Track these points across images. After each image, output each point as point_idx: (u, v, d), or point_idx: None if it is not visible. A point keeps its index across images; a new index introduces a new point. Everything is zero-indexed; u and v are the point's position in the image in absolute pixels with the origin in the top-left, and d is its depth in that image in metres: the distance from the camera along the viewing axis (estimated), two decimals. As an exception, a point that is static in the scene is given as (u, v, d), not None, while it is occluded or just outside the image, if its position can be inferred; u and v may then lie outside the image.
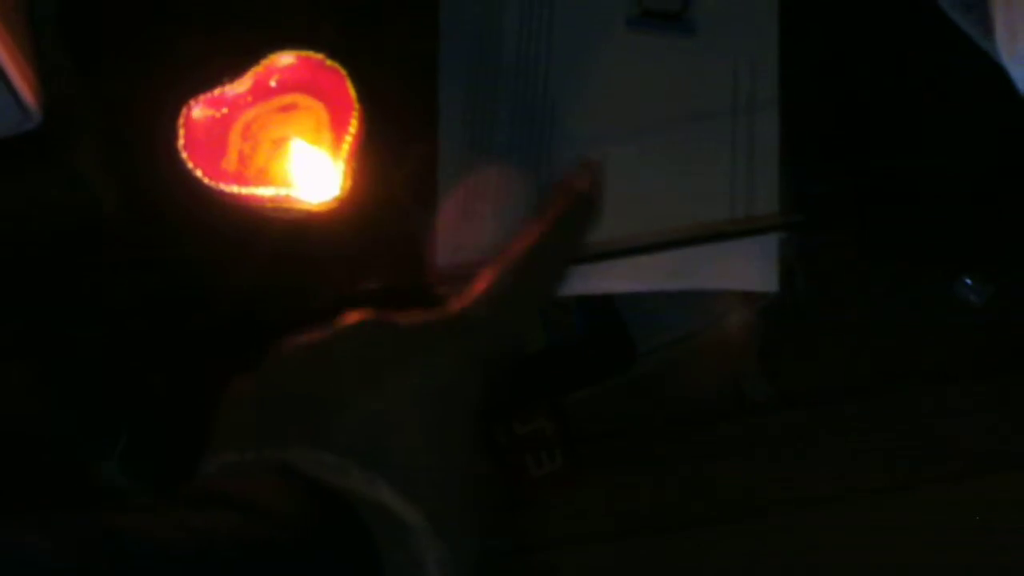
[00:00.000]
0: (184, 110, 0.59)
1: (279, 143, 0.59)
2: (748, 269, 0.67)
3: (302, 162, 0.57)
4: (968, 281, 0.81)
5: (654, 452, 0.82)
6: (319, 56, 0.59)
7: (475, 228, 0.67)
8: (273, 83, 0.60)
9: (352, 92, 0.58)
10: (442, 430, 0.45)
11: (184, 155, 0.58)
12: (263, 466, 0.42)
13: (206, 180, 0.57)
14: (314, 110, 0.59)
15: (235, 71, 0.59)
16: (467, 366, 0.47)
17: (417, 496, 0.43)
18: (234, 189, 0.56)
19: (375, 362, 0.46)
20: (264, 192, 0.57)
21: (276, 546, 0.39)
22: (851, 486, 0.81)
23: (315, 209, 0.58)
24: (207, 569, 0.37)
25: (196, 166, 0.57)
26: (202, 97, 0.59)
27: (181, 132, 0.58)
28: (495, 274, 0.51)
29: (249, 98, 0.59)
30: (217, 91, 0.59)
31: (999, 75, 0.63)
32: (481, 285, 0.50)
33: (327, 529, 0.40)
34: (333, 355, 0.46)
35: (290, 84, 0.60)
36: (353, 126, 0.57)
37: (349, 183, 0.58)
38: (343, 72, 0.58)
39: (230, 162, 0.59)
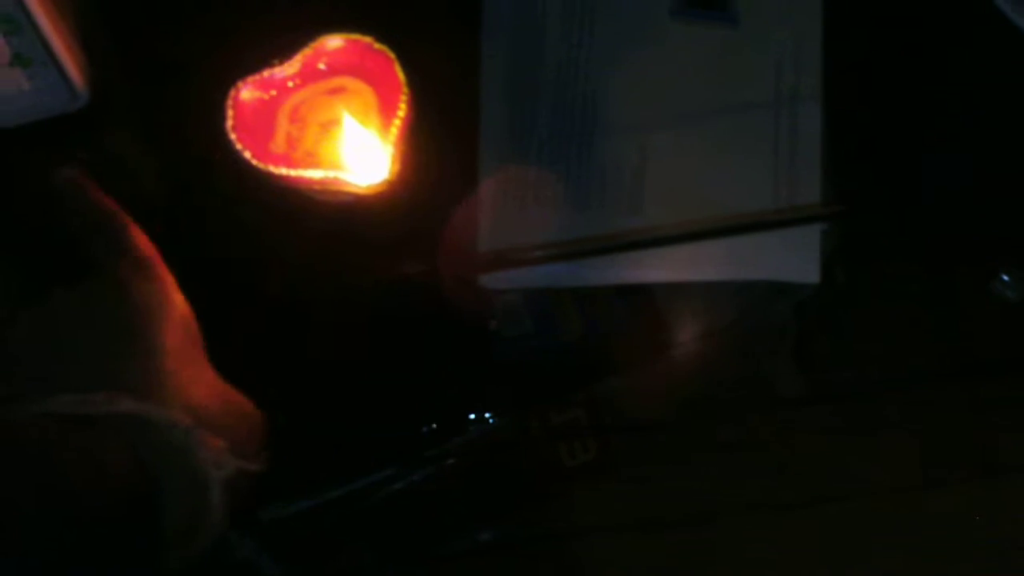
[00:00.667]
0: (232, 92, 0.59)
1: (327, 126, 0.59)
2: (790, 260, 0.67)
3: (352, 143, 0.57)
4: (1005, 277, 0.80)
5: (685, 444, 0.81)
6: (368, 39, 0.59)
7: (516, 214, 0.67)
8: (322, 66, 0.59)
9: (401, 75, 0.58)
10: (180, 349, 0.54)
11: (233, 136, 0.58)
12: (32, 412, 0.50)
13: (255, 162, 0.57)
14: (362, 93, 0.59)
15: (284, 53, 0.59)
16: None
17: (178, 402, 0.52)
18: (283, 171, 0.56)
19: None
20: (313, 174, 0.57)
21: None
22: (885, 482, 0.81)
23: (363, 192, 0.57)
24: None
25: (245, 148, 0.57)
26: (251, 79, 0.59)
27: (230, 114, 0.58)
28: None
29: (298, 80, 0.60)
30: (266, 73, 0.59)
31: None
32: None
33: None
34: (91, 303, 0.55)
35: (339, 67, 0.60)
36: (402, 109, 0.57)
37: (397, 167, 0.58)
38: (391, 55, 0.58)
39: (278, 144, 0.59)
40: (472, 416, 0.72)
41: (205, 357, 0.57)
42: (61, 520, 0.45)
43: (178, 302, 0.56)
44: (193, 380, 0.55)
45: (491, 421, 0.73)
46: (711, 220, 0.65)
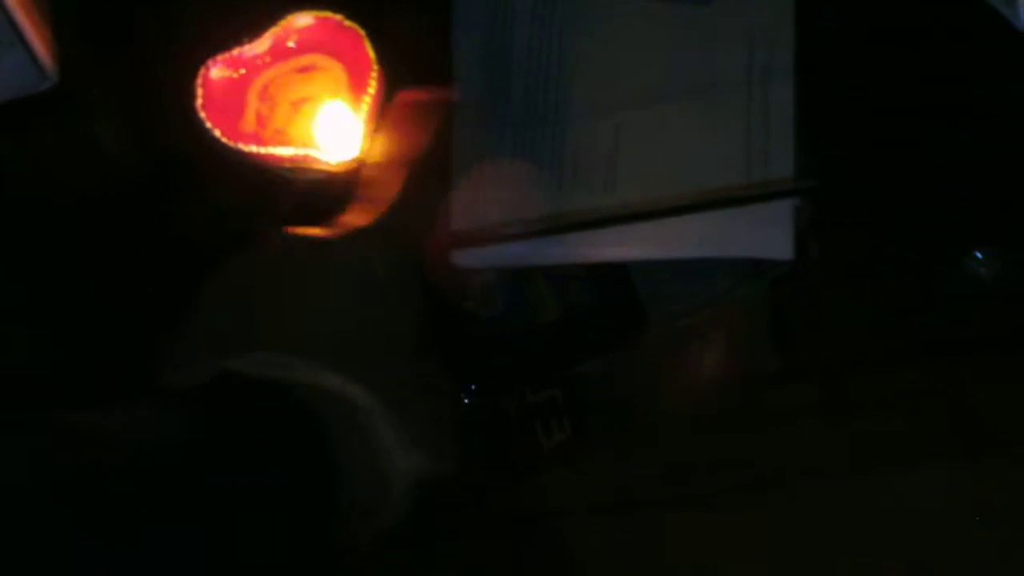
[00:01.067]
0: (202, 70, 0.58)
1: (297, 104, 0.59)
2: (763, 236, 0.67)
3: (322, 121, 0.57)
4: (979, 255, 0.81)
5: (662, 424, 0.82)
6: (337, 17, 0.59)
7: (489, 194, 0.67)
8: (291, 44, 0.59)
9: (371, 52, 0.58)
10: (380, 321, 0.50)
11: (203, 115, 0.57)
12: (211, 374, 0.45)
13: (225, 140, 0.57)
14: (332, 71, 0.59)
15: (253, 32, 0.59)
16: (393, 262, 0.52)
17: (364, 378, 0.46)
18: (253, 149, 0.56)
19: (303, 268, 0.51)
20: (284, 152, 0.57)
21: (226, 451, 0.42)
22: (858, 460, 0.81)
23: (334, 170, 0.57)
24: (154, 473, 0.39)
25: (214, 126, 0.57)
26: (220, 58, 0.59)
27: (199, 92, 0.58)
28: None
29: (267, 59, 0.59)
30: (235, 51, 0.59)
31: (1017, 46, 0.63)
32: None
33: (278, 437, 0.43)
34: (264, 266, 0.51)
35: (308, 45, 0.59)
36: (372, 87, 0.57)
37: (368, 144, 0.58)
38: (361, 32, 0.58)
39: (248, 123, 0.59)
40: (448, 396, 0.72)
41: (409, 333, 0.53)
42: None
43: (379, 272, 0.52)
44: (388, 357, 0.50)
45: (466, 401, 0.73)
46: (683, 196, 0.64)
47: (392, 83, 0.58)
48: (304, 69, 0.60)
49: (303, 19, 0.59)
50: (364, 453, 0.46)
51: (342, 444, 0.45)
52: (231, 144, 0.57)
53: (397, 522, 0.49)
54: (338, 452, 0.45)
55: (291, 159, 0.57)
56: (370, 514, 0.47)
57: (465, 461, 0.77)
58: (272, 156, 0.57)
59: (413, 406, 0.49)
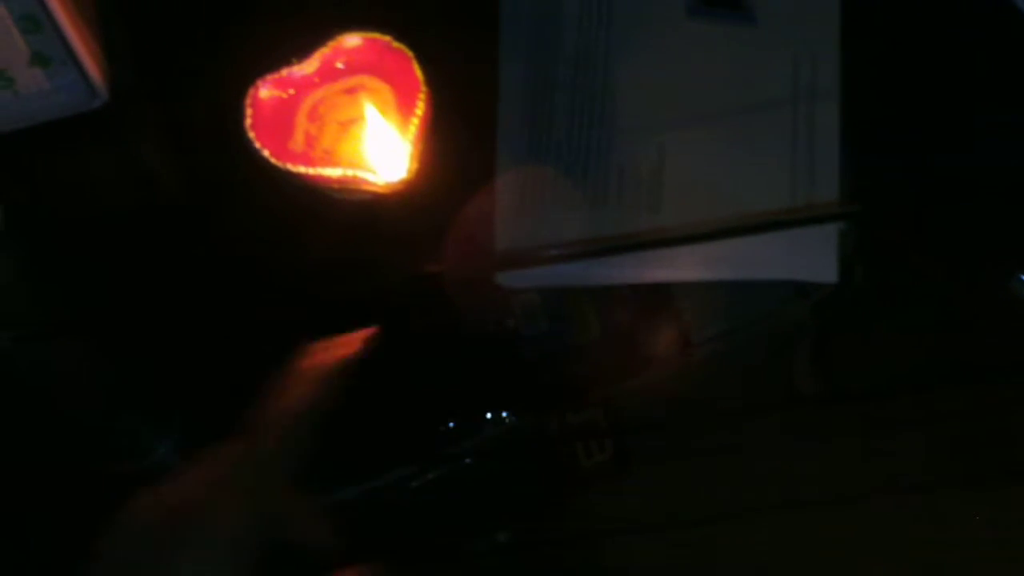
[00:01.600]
0: (251, 90, 0.59)
1: (346, 124, 0.59)
2: (808, 259, 0.67)
3: (371, 141, 0.57)
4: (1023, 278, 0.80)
5: (703, 444, 0.81)
6: (386, 38, 0.59)
7: (534, 213, 0.67)
8: (340, 64, 0.60)
9: (419, 74, 0.58)
10: None
11: (251, 135, 0.58)
12: None
13: (274, 160, 0.57)
14: (380, 92, 0.59)
15: (302, 52, 0.59)
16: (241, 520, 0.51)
17: None
18: (302, 169, 0.56)
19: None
20: (332, 172, 0.57)
21: None
22: (903, 482, 0.80)
23: (382, 190, 0.58)
24: None
25: (263, 146, 0.57)
26: (269, 78, 0.59)
27: (248, 112, 0.58)
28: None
29: (316, 79, 0.60)
30: (284, 72, 0.59)
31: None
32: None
33: None
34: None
35: (357, 66, 0.60)
36: (420, 108, 0.57)
37: (416, 165, 0.58)
38: (409, 54, 0.58)
39: (297, 143, 0.59)
40: (489, 415, 0.72)
41: None
42: None
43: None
44: None
45: (508, 420, 0.72)
46: (728, 219, 0.64)
47: (439, 105, 0.58)
48: (352, 90, 0.60)
49: (352, 40, 0.59)
50: None
51: None
52: (280, 164, 0.57)
53: None
54: None
55: (339, 180, 0.57)
56: None
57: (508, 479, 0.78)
58: (320, 177, 0.57)
59: None
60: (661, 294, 0.74)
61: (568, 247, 0.65)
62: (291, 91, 0.60)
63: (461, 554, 0.81)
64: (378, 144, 0.58)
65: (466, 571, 0.82)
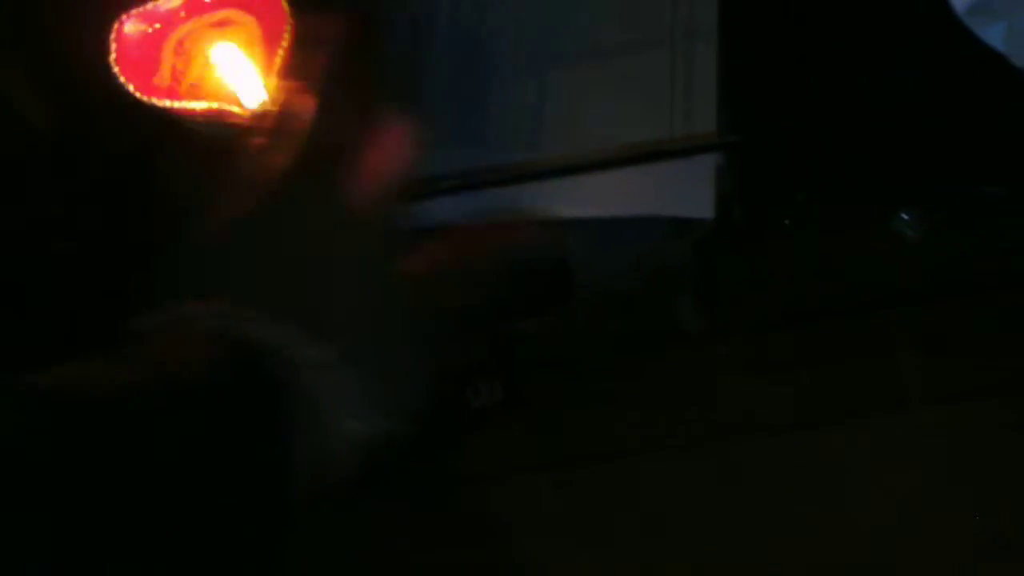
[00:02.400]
0: (116, 25, 0.58)
1: (212, 59, 0.59)
2: (684, 195, 0.68)
3: (236, 74, 0.57)
4: (904, 216, 0.81)
5: (592, 385, 0.82)
6: (252, -30, 0.58)
7: (415, 149, 0.67)
8: (206, -2, 0.59)
9: (285, 5, 0.57)
10: (342, 266, 0.48)
11: (116, 70, 0.57)
12: (174, 323, 0.43)
13: (139, 95, 0.56)
14: (247, 25, 0.59)
15: (168, -14, 0.59)
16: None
17: (321, 333, 0.44)
18: (167, 103, 0.56)
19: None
20: (197, 106, 0.56)
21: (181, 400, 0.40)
22: (786, 420, 0.82)
23: (247, 123, 0.57)
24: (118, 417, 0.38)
25: (128, 81, 0.57)
26: (134, 12, 0.58)
27: (113, 47, 0.57)
28: None
29: (182, 13, 0.59)
30: (150, 5, 0.58)
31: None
32: None
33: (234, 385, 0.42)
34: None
35: (223, -1, 0.59)
36: (286, 40, 0.57)
37: (281, 97, 0.57)
38: (276, -14, 0.58)
39: (163, 78, 0.58)
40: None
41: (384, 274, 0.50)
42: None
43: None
44: (350, 302, 0.47)
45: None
46: (606, 151, 0.65)
47: (306, 36, 0.58)
48: (220, 24, 0.59)
49: (218, -27, 0.59)
50: (316, 410, 0.44)
51: (294, 400, 0.43)
52: (145, 99, 0.56)
53: (348, 479, 0.46)
54: (288, 407, 0.43)
55: (204, 113, 0.56)
56: (320, 471, 0.44)
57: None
58: (186, 110, 0.56)
59: (374, 364, 0.46)
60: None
61: (448, 181, 0.65)
62: (157, 25, 0.59)
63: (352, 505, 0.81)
64: (243, 77, 0.57)
65: (359, 523, 0.82)
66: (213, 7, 0.59)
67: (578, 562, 0.81)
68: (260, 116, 0.57)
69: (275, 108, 0.55)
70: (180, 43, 0.59)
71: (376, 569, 0.81)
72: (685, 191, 0.67)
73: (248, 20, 0.59)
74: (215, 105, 0.56)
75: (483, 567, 0.81)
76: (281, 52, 0.57)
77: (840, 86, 0.76)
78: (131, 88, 0.57)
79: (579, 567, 0.81)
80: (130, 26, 0.58)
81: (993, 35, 0.64)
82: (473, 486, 0.82)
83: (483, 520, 0.82)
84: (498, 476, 0.82)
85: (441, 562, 0.81)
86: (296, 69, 0.56)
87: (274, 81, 0.57)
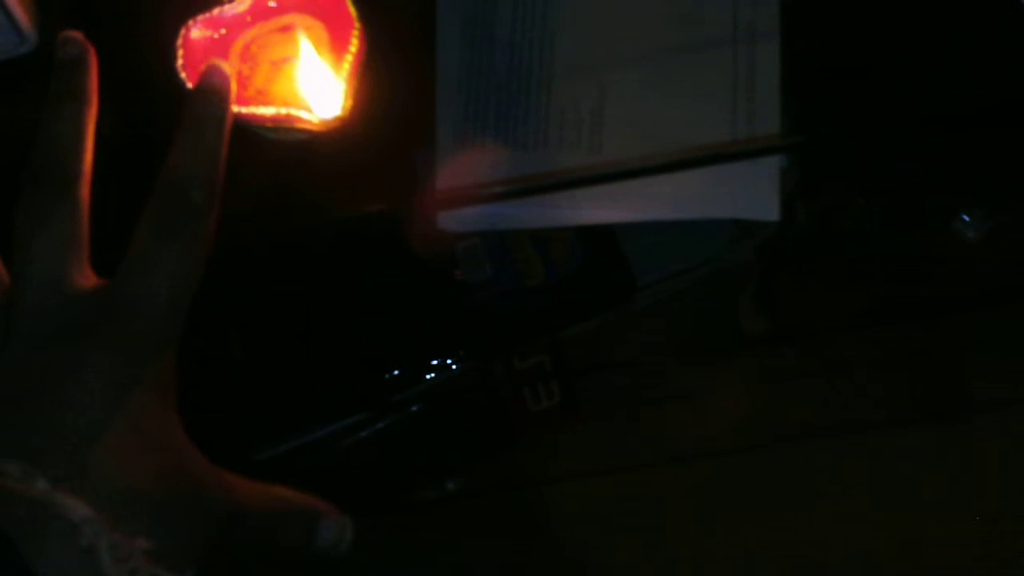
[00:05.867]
0: (182, 31, 0.58)
1: (278, 64, 0.59)
2: (749, 197, 0.67)
3: (305, 79, 0.57)
4: (966, 218, 0.81)
5: (652, 388, 0.81)
6: (318, -25, 0.58)
7: (474, 155, 0.67)
8: (272, 3, 0.59)
9: (352, 10, 0.57)
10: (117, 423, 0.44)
11: (183, 76, 0.57)
12: None
13: (206, 100, 0.56)
14: (314, 30, 0.59)
15: (233, -9, 0.59)
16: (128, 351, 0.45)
17: (79, 488, 0.42)
18: (235, 109, 0.55)
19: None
20: (266, 111, 0.56)
21: None
22: (849, 422, 0.81)
23: (317, 129, 0.57)
24: None
25: (195, 87, 0.57)
26: (200, 18, 0.58)
27: (180, 53, 0.57)
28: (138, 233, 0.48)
29: (248, 18, 0.59)
30: (215, 11, 0.58)
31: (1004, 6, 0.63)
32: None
33: None
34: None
35: (289, 4, 0.59)
36: (354, 45, 0.57)
37: (351, 102, 0.57)
38: (342, -9, 0.58)
39: (229, 83, 0.58)
40: (436, 363, 0.72)
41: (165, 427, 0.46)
42: None
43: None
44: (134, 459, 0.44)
45: (454, 368, 0.72)
46: (669, 154, 0.64)
47: (374, 42, 0.58)
48: (285, 28, 0.59)
49: (284, -23, 0.58)
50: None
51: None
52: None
53: None
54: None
55: (273, 119, 0.56)
56: None
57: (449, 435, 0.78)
58: (253, 116, 0.56)
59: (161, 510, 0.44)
60: (604, 237, 0.74)
61: (508, 183, 0.65)
62: (223, 31, 0.59)
63: (410, 504, 0.81)
64: (312, 82, 0.57)
65: (415, 521, 0.82)
66: (279, 12, 0.59)
67: (632, 563, 0.80)
68: (330, 122, 0.56)
69: (345, 114, 0.55)
70: (246, 48, 0.59)
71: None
72: (749, 194, 0.67)
73: (315, 24, 0.59)
74: (283, 111, 0.56)
75: (539, 568, 0.81)
76: (349, 57, 0.57)
77: (903, 87, 0.75)
78: (198, 94, 0.57)
79: (633, 569, 0.80)
80: (196, 32, 0.58)
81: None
82: (531, 488, 0.82)
83: (539, 522, 0.82)
84: (556, 478, 0.82)
85: (499, 561, 0.81)
86: (364, 76, 0.56)
87: (343, 86, 0.57)
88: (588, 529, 0.81)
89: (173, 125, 0.53)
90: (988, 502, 0.81)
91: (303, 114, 0.56)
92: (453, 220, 0.67)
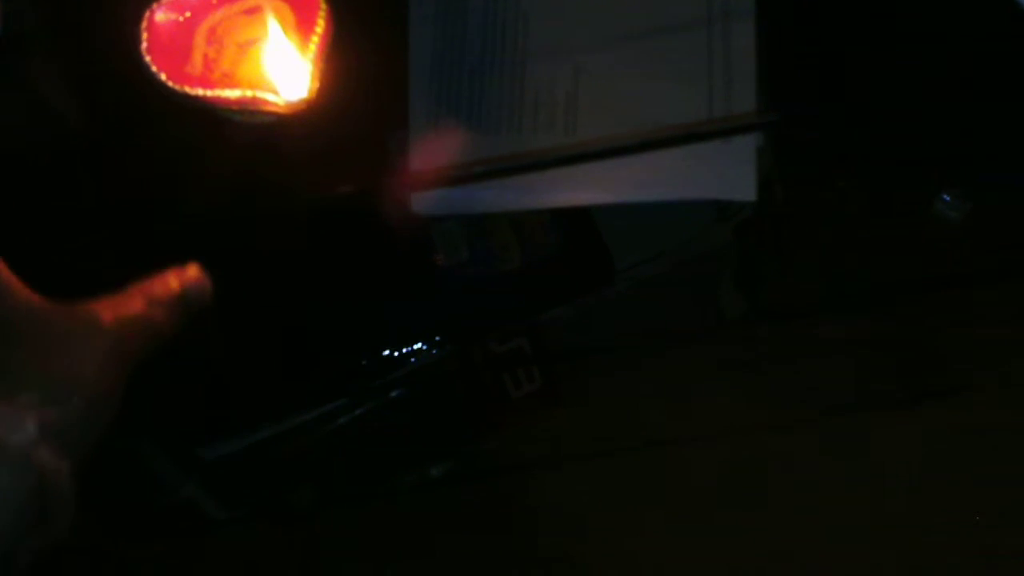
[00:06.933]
0: (147, 13, 0.57)
1: (245, 46, 0.58)
2: (726, 177, 0.66)
3: (271, 61, 0.56)
4: (946, 198, 0.80)
5: (631, 371, 0.81)
6: (284, -44, 0.58)
7: (448, 135, 0.66)
8: (238, -15, 0.58)
9: (318, -9, 0.57)
10: None
11: (148, 59, 0.56)
12: None
13: (171, 84, 0.56)
14: (280, 12, 0.58)
15: (199, -27, 0.58)
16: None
17: None
18: (200, 92, 0.55)
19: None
20: (232, 94, 0.56)
21: None
22: (826, 403, 0.81)
23: (284, 111, 0.56)
24: None
25: (160, 70, 0.56)
26: (165, 1, 0.58)
27: (144, 36, 0.57)
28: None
29: (213, 1, 0.58)
30: (180, -6, 0.58)
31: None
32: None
33: None
34: None
35: (255, -15, 0.58)
36: (320, 26, 0.56)
37: (317, 84, 0.56)
38: (308, -28, 0.57)
39: (195, 66, 0.57)
40: (414, 347, 0.71)
41: None
42: None
43: None
44: None
45: (433, 352, 0.72)
46: (644, 133, 0.64)
47: (343, 23, 0.57)
48: (251, 11, 0.58)
49: (249, -41, 0.58)
50: None
51: None
52: (178, 87, 0.56)
53: None
54: None
55: (239, 101, 0.56)
56: None
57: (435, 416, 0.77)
58: (220, 99, 0.56)
59: None
60: (582, 220, 0.74)
61: (484, 164, 0.64)
62: (188, 14, 0.58)
63: (393, 490, 0.81)
64: (278, 64, 0.57)
65: (399, 506, 0.81)
66: (245, -6, 0.58)
67: (611, 547, 0.80)
68: (295, 104, 0.56)
69: (312, 96, 0.55)
70: (212, 31, 0.58)
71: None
72: (726, 174, 0.66)
73: (281, 6, 0.58)
74: (249, 94, 0.56)
75: (519, 551, 0.81)
76: (315, 38, 0.56)
77: (879, 63, 0.75)
78: (163, 77, 0.56)
79: (609, 554, 0.80)
80: (161, 15, 0.58)
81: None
82: (512, 473, 0.82)
83: (520, 507, 0.82)
84: (536, 464, 0.81)
85: (480, 548, 0.81)
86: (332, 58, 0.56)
87: (309, 67, 0.56)
88: (568, 513, 0.80)
89: (140, 109, 0.53)
90: (972, 482, 0.80)
91: (270, 96, 0.56)
92: (427, 203, 0.67)
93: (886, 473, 0.80)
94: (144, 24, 0.57)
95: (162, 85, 0.56)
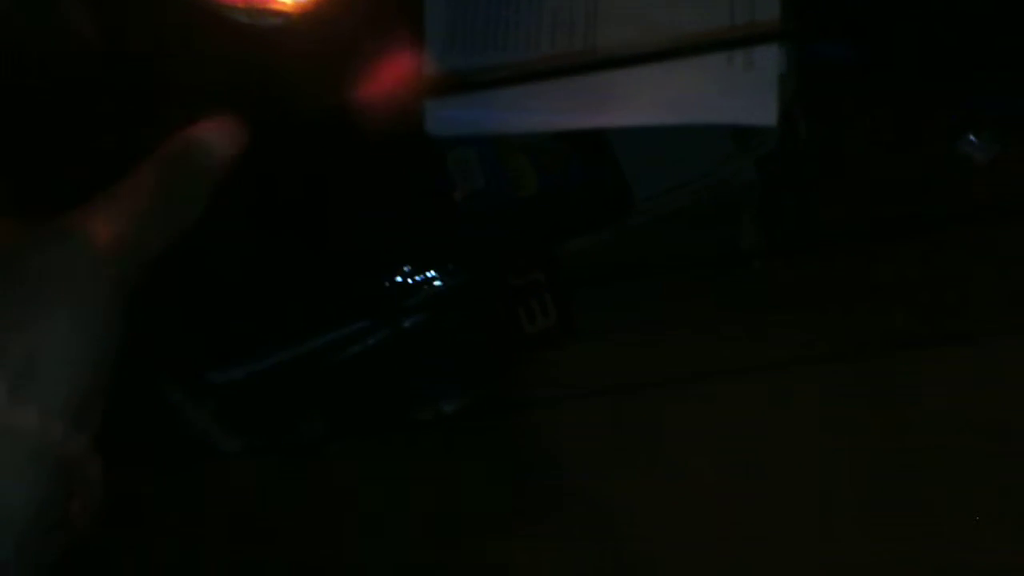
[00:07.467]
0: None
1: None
2: (746, 102, 0.65)
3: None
4: (973, 139, 0.79)
5: (650, 305, 0.80)
6: None
7: (465, 44, 0.65)
8: None
9: None
10: None
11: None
12: None
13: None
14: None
15: None
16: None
17: None
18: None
19: None
20: (238, -6, 0.55)
21: None
22: (847, 342, 0.80)
23: (290, 10, 0.56)
24: None
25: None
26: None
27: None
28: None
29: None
30: None
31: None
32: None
33: None
34: None
35: None
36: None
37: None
38: None
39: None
40: (428, 275, 0.71)
41: None
42: None
43: None
44: None
45: (448, 280, 0.71)
46: (662, 41, 0.62)
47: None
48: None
49: None
50: None
51: None
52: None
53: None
54: None
55: (244, 1, 0.55)
56: None
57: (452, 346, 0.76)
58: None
59: None
60: (600, 150, 0.73)
61: (499, 72, 0.63)
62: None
63: (406, 425, 0.81)
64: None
65: (411, 442, 0.81)
66: None
67: (626, 487, 0.79)
68: (303, 3, 0.55)
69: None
70: (223, -69, 0.57)
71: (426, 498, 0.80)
72: (747, 99, 0.65)
73: (293, -95, 0.57)
74: (257, -8, 0.55)
75: (534, 489, 0.80)
76: (328, -62, 0.55)
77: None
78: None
79: (627, 492, 0.79)
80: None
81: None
82: (527, 409, 0.81)
83: (535, 443, 0.81)
84: (552, 399, 0.81)
85: (494, 485, 0.80)
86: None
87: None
88: (584, 450, 0.79)
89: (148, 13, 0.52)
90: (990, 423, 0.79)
91: (276, -3, 0.55)
92: (441, 124, 0.66)
93: (909, 418, 0.79)
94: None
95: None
